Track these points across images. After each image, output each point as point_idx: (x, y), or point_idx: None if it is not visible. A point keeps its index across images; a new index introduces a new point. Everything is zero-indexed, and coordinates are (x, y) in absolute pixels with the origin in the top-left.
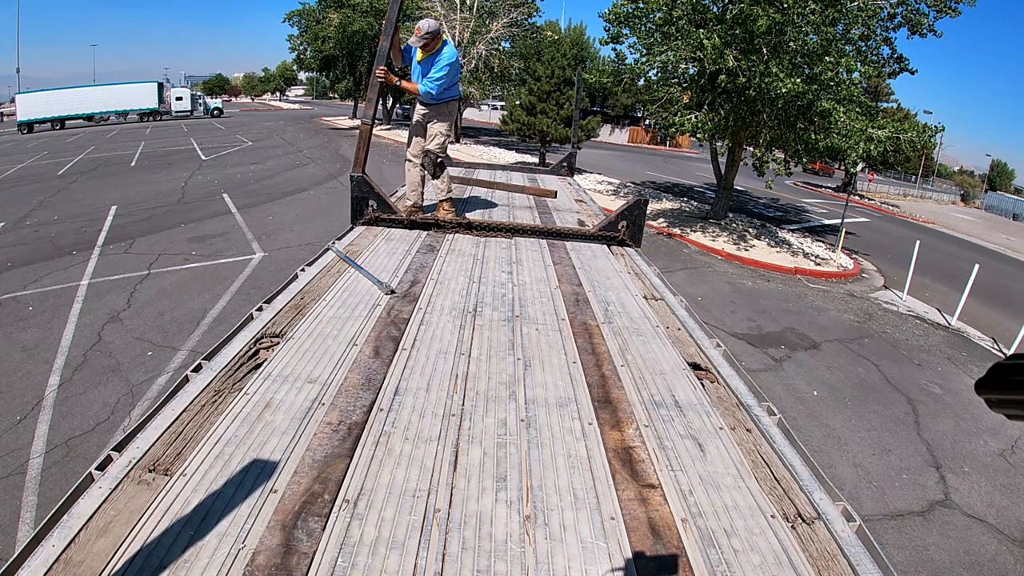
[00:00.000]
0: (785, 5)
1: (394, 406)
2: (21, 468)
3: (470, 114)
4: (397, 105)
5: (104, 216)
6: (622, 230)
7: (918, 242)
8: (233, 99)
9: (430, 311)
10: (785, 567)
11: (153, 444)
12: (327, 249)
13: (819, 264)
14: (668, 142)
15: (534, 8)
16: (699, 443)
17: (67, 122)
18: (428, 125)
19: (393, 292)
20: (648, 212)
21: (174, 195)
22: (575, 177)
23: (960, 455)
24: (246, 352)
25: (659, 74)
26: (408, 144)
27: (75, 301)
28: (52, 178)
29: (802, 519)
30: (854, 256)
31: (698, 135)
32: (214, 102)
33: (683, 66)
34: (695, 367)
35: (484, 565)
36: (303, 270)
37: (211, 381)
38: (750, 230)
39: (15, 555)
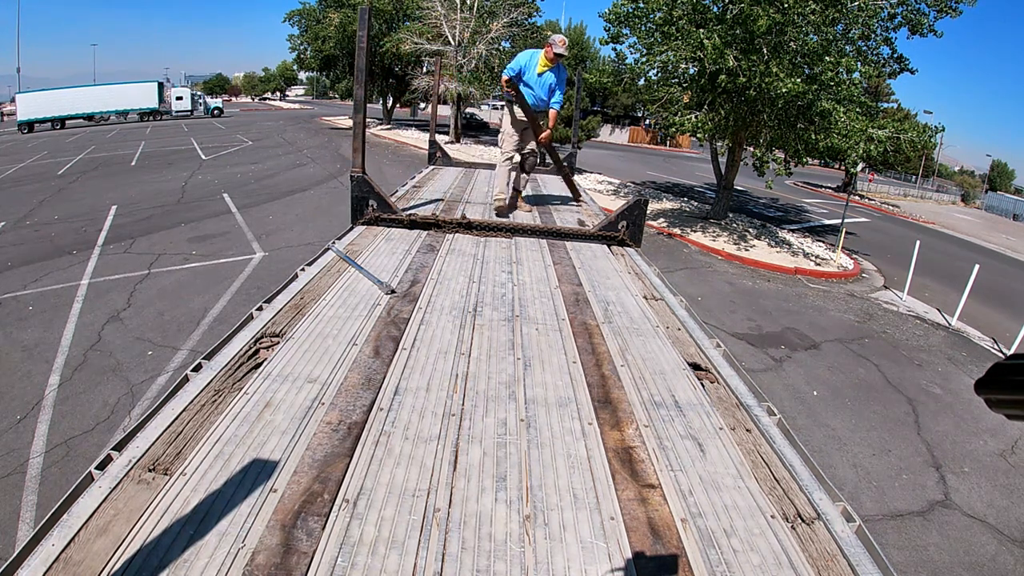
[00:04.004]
0: (785, 5)
1: (394, 406)
2: (21, 467)
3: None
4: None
5: (104, 216)
6: (622, 230)
7: (918, 242)
8: (233, 99)
9: (430, 311)
10: (785, 567)
11: (153, 444)
12: (327, 249)
13: (819, 264)
14: (668, 142)
15: (534, 8)
16: (699, 443)
17: (67, 122)
18: None
19: (393, 292)
20: (648, 212)
21: (174, 195)
22: (575, 177)
23: (960, 455)
24: (246, 352)
25: (659, 74)
26: None
27: (75, 301)
28: (52, 178)
29: (802, 519)
30: (854, 256)
31: (698, 135)
32: (214, 102)
33: (683, 66)
34: (695, 367)
35: (484, 565)
36: (303, 270)
37: (211, 381)
38: (750, 230)
39: (15, 554)
